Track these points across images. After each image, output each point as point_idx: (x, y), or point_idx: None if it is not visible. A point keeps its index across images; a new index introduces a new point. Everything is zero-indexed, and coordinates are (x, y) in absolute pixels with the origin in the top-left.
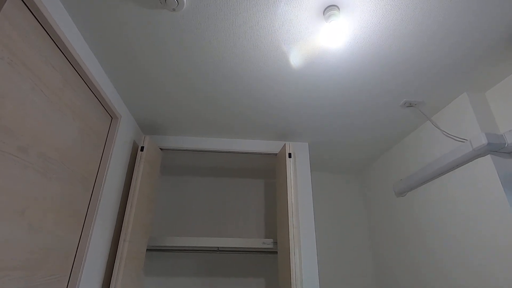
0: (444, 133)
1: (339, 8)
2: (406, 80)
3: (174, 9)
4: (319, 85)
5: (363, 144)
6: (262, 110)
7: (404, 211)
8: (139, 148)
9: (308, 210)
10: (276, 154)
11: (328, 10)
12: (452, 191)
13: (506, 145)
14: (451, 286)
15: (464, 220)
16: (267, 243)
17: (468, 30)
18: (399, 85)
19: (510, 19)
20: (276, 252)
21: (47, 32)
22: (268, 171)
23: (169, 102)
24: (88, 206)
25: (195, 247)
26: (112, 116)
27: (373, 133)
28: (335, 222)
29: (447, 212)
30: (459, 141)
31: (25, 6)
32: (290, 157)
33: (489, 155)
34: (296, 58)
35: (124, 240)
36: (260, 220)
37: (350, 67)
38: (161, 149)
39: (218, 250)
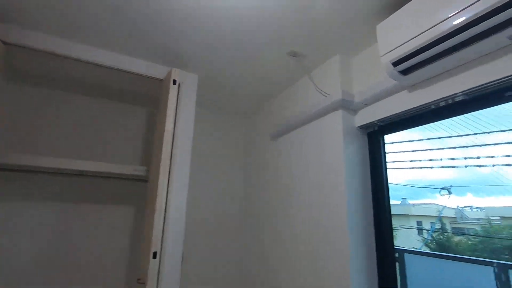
0: (316, 87)
1: None
2: (296, 30)
3: None
4: (213, 13)
5: (250, 89)
6: (155, 21)
7: (273, 155)
8: None
9: (187, 142)
10: (162, 80)
11: None
12: (310, 139)
13: (353, 103)
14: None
15: (313, 167)
16: (139, 170)
17: None
18: (288, 33)
19: None
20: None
21: None
22: (153, 100)
23: None
24: None
25: (53, 168)
26: None
27: (260, 80)
28: (213, 160)
29: (302, 158)
30: (324, 95)
31: None
32: (175, 84)
33: (340, 110)
34: None
35: None
36: (137, 148)
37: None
38: (3, 42)
39: (82, 174)
